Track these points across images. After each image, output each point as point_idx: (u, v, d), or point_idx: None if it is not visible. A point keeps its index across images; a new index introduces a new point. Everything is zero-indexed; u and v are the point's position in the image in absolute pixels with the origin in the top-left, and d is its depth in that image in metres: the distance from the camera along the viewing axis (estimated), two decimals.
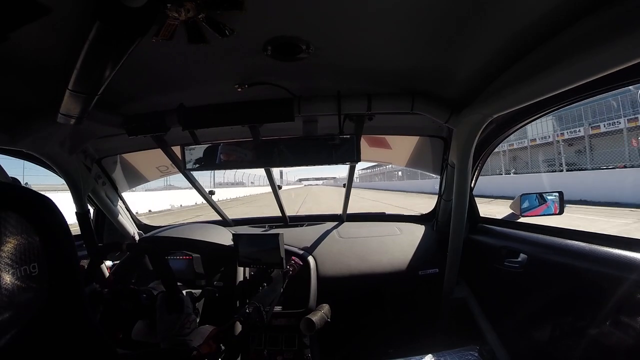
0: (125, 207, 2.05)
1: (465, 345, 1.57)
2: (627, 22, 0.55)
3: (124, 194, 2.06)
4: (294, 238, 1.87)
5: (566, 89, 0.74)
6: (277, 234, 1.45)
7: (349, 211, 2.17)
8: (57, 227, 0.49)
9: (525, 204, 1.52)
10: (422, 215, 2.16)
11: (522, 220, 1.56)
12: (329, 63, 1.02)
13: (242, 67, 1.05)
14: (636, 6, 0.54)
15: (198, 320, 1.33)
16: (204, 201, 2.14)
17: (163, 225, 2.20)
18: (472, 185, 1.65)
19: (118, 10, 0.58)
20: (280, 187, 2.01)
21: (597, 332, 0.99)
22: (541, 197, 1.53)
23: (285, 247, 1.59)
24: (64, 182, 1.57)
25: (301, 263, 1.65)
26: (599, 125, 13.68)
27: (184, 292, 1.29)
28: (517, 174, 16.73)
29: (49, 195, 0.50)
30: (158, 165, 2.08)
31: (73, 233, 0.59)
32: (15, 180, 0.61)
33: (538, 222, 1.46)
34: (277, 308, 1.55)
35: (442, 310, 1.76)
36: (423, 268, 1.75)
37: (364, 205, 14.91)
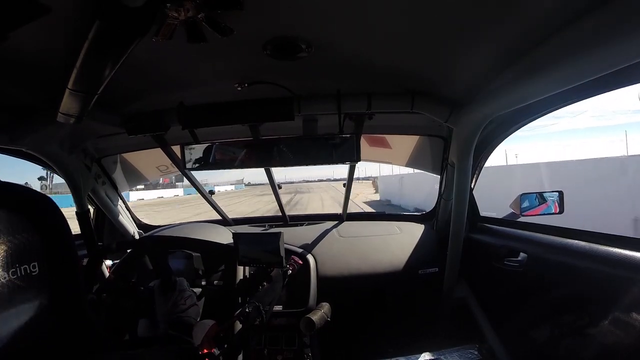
0: (125, 207, 2.05)
1: (465, 344, 1.57)
2: (627, 23, 0.55)
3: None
4: (294, 237, 1.87)
5: (566, 88, 0.74)
6: (277, 233, 1.45)
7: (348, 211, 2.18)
8: (58, 227, 0.49)
9: (525, 204, 1.53)
10: (422, 215, 2.16)
11: (522, 219, 1.56)
12: (329, 62, 1.01)
13: (241, 66, 1.04)
14: (636, 7, 0.54)
15: (198, 320, 1.33)
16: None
17: (163, 224, 2.20)
18: (472, 184, 1.65)
19: (118, 10, 0.58)
20: (280, 187, 2.01)
21: (597, 332, 0.99)
22: (541, 197, 1.54)
23: (285, 246, 1.59)
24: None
25: (301, 262, 1.65)
26: None
27: None
28: None
29: None
30: (158, 165, 2.08)
31: (73, 232, 0.59)
32: None
33: (538, 221, 1.46)
34: (277, 307, 1.55)
35: (442, 309, 1.76)
36: (423, 267, 1.75)
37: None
